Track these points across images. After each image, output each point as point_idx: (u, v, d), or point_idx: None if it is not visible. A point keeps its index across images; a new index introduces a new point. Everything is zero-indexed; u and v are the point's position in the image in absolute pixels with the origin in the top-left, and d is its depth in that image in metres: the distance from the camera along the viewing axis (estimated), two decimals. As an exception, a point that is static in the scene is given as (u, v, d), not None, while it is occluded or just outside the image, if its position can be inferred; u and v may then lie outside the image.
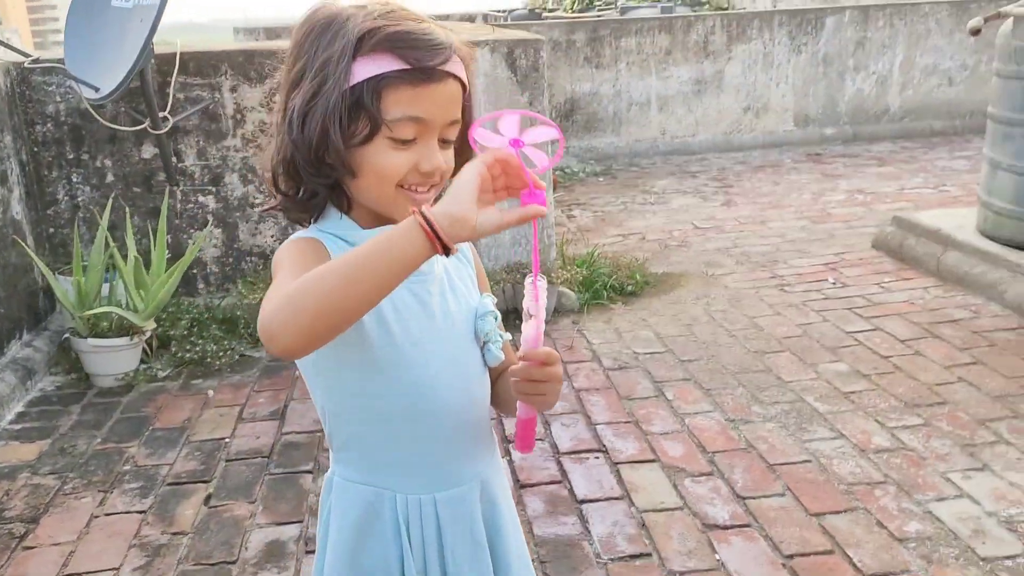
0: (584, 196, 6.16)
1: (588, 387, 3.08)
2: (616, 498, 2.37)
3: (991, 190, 3.83)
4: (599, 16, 9.28)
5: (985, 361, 3.10)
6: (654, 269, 4.37)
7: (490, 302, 1.13)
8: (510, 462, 2.58)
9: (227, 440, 2.77)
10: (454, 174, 1.02)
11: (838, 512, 2.24)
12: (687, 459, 2.55)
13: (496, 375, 1.16)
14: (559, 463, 2.56)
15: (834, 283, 4.06)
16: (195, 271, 3.66)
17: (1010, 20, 3.64)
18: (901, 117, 7.67)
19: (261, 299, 3.48)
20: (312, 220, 1.07)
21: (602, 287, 4.02)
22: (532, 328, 0.97)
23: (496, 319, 1.12)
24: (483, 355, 1.12)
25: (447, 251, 0.85)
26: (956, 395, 2.86)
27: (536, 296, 0.95)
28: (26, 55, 3.30)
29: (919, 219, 4.28)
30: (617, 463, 2.55)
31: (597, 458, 2.58)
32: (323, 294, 0.86)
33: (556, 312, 3.79)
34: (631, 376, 3.16)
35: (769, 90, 7.46)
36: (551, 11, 12.49)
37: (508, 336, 1.14)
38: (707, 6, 10.96)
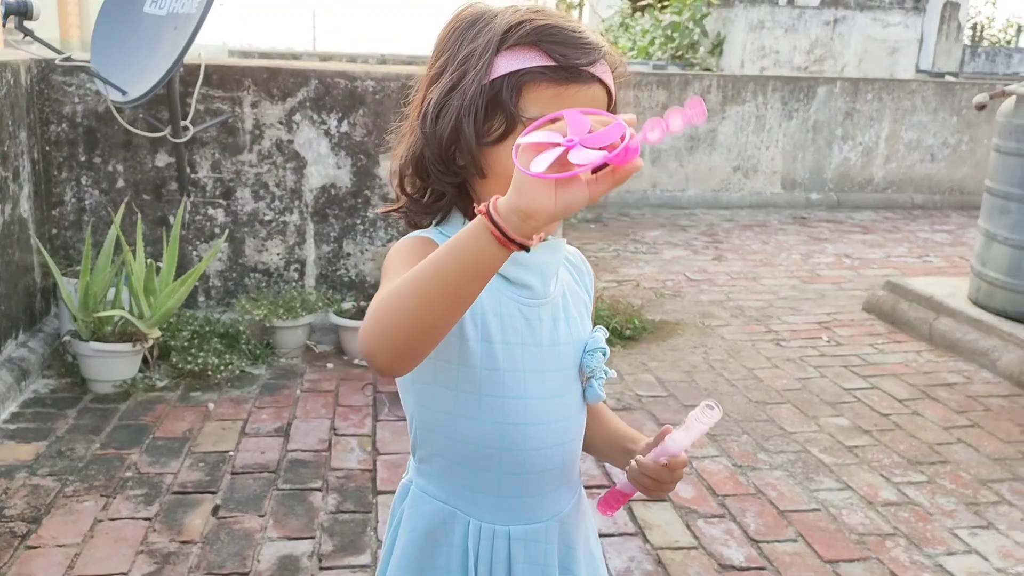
0: (577, 241, 6.20)
1: (593, 425, 3.08)
2: (631, 534, 2.36)
3: (985, 261, 3.94)
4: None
5: (982, 424, 3.17)
6: (650, 316, 4.41)
7: (601, 336, 1.08)
8: (520, 493, 2.56)
9: (231, 453, 2.72)
10: None
11: (852, 561, 2.26)
12: (698, 501, 2.56)
13: (592, 413, 1.13)
14: (570, 497, 2.55)
15: (828, 341, 4.13)
16: (197, 283, 3.62)
17: (1012, 99, 3.79)
18: (884, 188, 7.90)
19: (263, 316, 3.45)
20: (435, 224, 1.04)
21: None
22: (685, 440, 0.97)
23: (604, 355, 1.08)
24: (584, 391, 1.08)
25: (524, 247, 0.77)
26: (956, 455, 2.91)
27: (706, 422, 0.95)
28: (59, 52, 3.28)
29: (912, 285, 4.39)
30: (630, 500, 2.54)
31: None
32: (403, 312, 0.81)
33: (557, 350, 3.80)
34: (636, 417, 3.17)
35: (759, 152, 7.64)
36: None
37: (613, 374, 1.10)
38: (697, 67, 11.24)
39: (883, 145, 7.81)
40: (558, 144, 0.74)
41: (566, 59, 0.92)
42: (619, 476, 1.10)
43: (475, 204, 0.92)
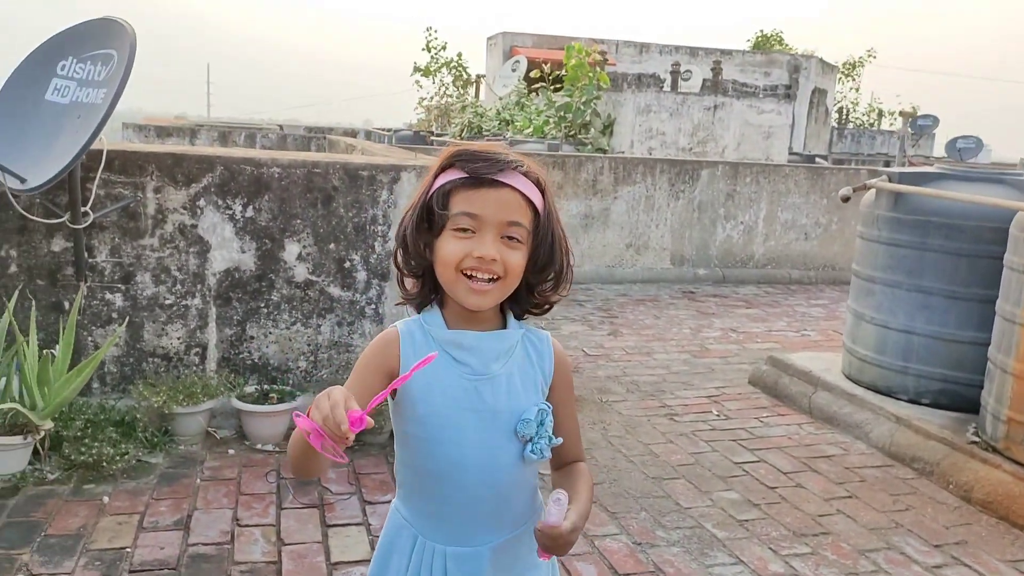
0: (477, 317, 6.33)
1: (498, 506, 3.15)
2: (537, 618, 2.42)
3: (855, 338, 4.27)
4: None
5: (858, 495, 3.40)
6: (550, 393, 4.54)
7: (534, 410, 1.33)
8: None
9: (128, 550, 2.65)
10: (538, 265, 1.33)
11: (745, 635, 2.38)
12: (601, 581, 2.65)
13: (555, 467, 1.45)
14: (478, 582, 2.60)
15: (718, 415, 4.35)
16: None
17: (872, 192, 4.18)
18: (764, 264, 8.40)
19: (162, 402, 3.39)
20: (420, 308, 1.38)
21: (504, 408, 4.14)
22: (556, 513, 1.24)
23: (541, 424, 1.33)
24: (524, 451, 1.33)
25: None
26: (837, 526, 3.12)
27: (558, 513, 1.24)
28: (-48, 139, 3.20)
29: (792, 360, 4.69)
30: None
31: (514, 578, 2.64)
32: (294, 462, 1.25)
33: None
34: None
35: (650, 229, 8.02)
36: (438, 136, 13.03)
37: (559, 441, 1.36)
38: (589, 147, 11.75)
39: (762, 224, 8.33)
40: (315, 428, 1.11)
41: (475, 172, 1.26)
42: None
43: (444, 297, 1.34)
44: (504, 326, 1.36)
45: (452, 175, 1.27)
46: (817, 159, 11.59)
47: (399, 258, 1.34)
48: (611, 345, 5.69)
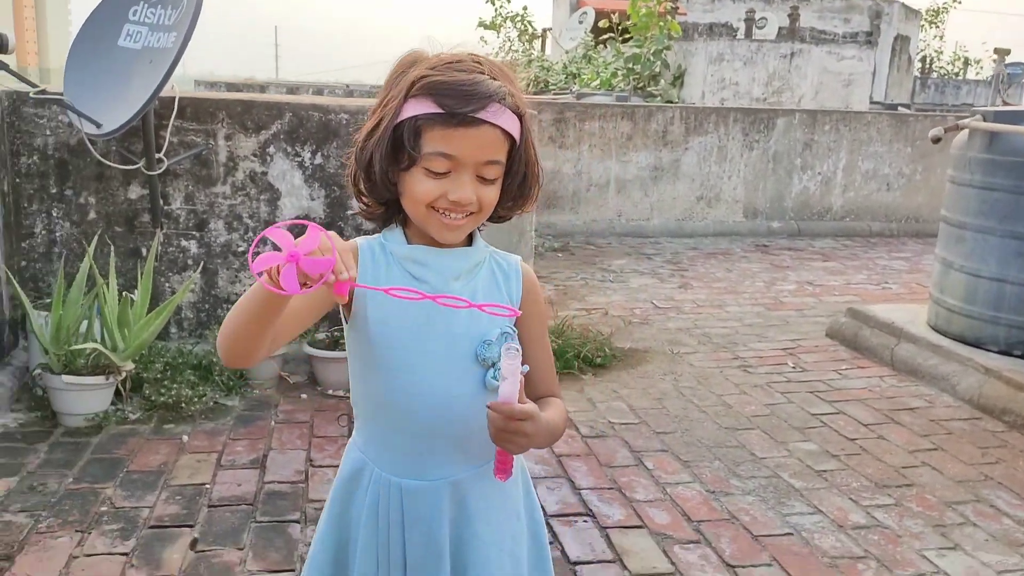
0: (545, 270, 6.28)
1: (569, 453, 3.12)
2: (608, 561, 2.39)
3: (943, 288, 4.08)
4: (555, 99, 9.62)
5: (945, 448, 3.26)
6: (619, 344, 4.47)
7: (496, 331, 1.22)
8: (499, 522, 2.58)
9: (208, 486, 2.71)
10: (514, 201, 1.24)
11: (825, 583, 2.31)
12: (674, 527, 2.60)
13: (531, 397, 1.26)
14: (549, 525, 2.58)
15: (794, 367, 4.22)
16: (169, 315, 3.60)
17: (965, 132, 3.95)
18: (843, 216, 8.10)
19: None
20: (383, 227, 1.27)
21: (573, 357, 4.09)
22: (507, 387, 1.10)
23: (514, 351, 1.18)
24: (486, 377, 1.22)
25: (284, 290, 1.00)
26: (922, 478, 3.00)
27: (511, 364, 1.09)
28: (33, 85, 3.27)
29: (873, 312, 4.51)
30: (606, 527, 2.58)
31: (586, 522, 2.61)
32: (230, 319, 1.10)
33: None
34: (609, 444, 3.21)
35: (722, 181, 7.80)
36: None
37: (525, 368, 1.21)
38: (658, 99, 11.46)
39: (841, 174, 8.02)
40: (280, 257, 0.98)
41: (451, 108, 1.11)
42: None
43: (406, 216, 1.22)
44: (469, 245, 1.26)
45: (424, 106, 1.12)
46: (900, 108, 11.09)
47: (362, 184, 1.21)
48: (681, 298, 5.58)
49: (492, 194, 1.18)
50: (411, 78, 1.14)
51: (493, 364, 1.22)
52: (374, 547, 1.27)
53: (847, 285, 6.11)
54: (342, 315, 1.28)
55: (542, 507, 2.65)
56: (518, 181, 1.21)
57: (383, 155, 1.16)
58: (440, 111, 1.11)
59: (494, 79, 1.15)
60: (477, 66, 1.16)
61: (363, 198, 1.24)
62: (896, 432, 3.41)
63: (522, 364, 1.21)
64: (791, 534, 2.58)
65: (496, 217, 1.26)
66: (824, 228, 8.03)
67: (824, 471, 3.03)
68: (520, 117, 1.17)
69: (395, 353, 1.21)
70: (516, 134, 1.16)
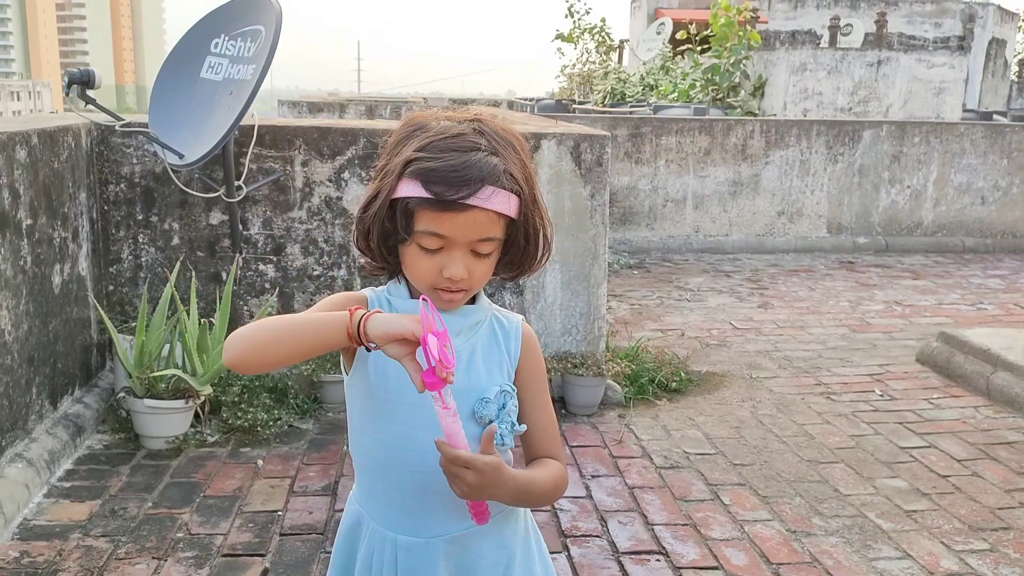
0: (620, 288, 6.20)
1: (642, 485, 3.04)
2: (682, 605, 2.31)
3: (1044, 313, 3.84)
4: (631, 112, 9.52)
5: (1046, 488, 3.06)
6: (695, 367, 4.37)
7: (496, 390, 1.22)
8: (568, 557, 2.53)
9: (280, 513, 2.74)
10: (522, 269, 1.25)
11: (914, 638, 2.18)
12: (751, 569, 2.50)
13: (528, 461, 1.29)
14: (620, 563, 2.51)
15: (881, 395, 4.04)
16: (248, 338, 3.67)
17: (1068, 150, 3.71)
18: (934, 231, 7.77)
19: (311, 370, 3.48)
20: (389, 278, 1.29)
21: (647, 382, 4.01)
22: (447, 425, 1.10)
23: (503, 408, 1.22)
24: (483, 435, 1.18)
25: (365, 345, 1.10)
26: (1020, 520, 2.82)
27: (445, 406, 1.09)
28: (119, 118, 3.39)
29: (967, 337, 4.29)
30: (679, 567, 2.50)
31: (659, 560, 2.54)
32: (270, 333, 1.12)
33: (602, 405, 3.77)
34: (684, 476, 3.12)
35: (804, 196, 7.58)
36: (580, 103, 12.81)
37: (521, 428, 1.25)
38: (738, 111, 11.23)
39: (932, 188, 7.69)
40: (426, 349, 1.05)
41: (439, 195, 1.11)
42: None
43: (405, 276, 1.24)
44: (472, 303, 1.26)
45: (415, 189, 1.12)
46: (995, 116, 10.59)
47: (364, 248, 1.23)
48: (761, 318, 5.42)
49: (484, 268, 1.19)
50: (406, 156, 1.14)
51: (490, 423, 1.21)
52: None
53: (939, 306, 5.84)
54: (343, 367, 1.28)
55: (613, 542, 2.60)
56: (519, 253, 1.21)
57: (379, 230, 1.17)
58: (430, 197, 1.11)
59: (493, 154, 1.14)
60: (476, 141, 1.15)
61: (365, 257, 1.26)
62: (992, 469, 3.22)
63: (519, 424, 1.26)
64: (877, 581, 2.45)
65: (501, 280, 1.29)
66: (914, 244, 7.71)
67: (913, 511, 2.88)
68: (520, 191, 1.17)
69: (392, 407, 1.21)
70: (512, 214, 1.16)
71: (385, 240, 1.19)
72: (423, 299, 1.07)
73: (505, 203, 1.14)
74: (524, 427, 1.25)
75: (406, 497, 1.23)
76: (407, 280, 1.24)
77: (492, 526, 1.23)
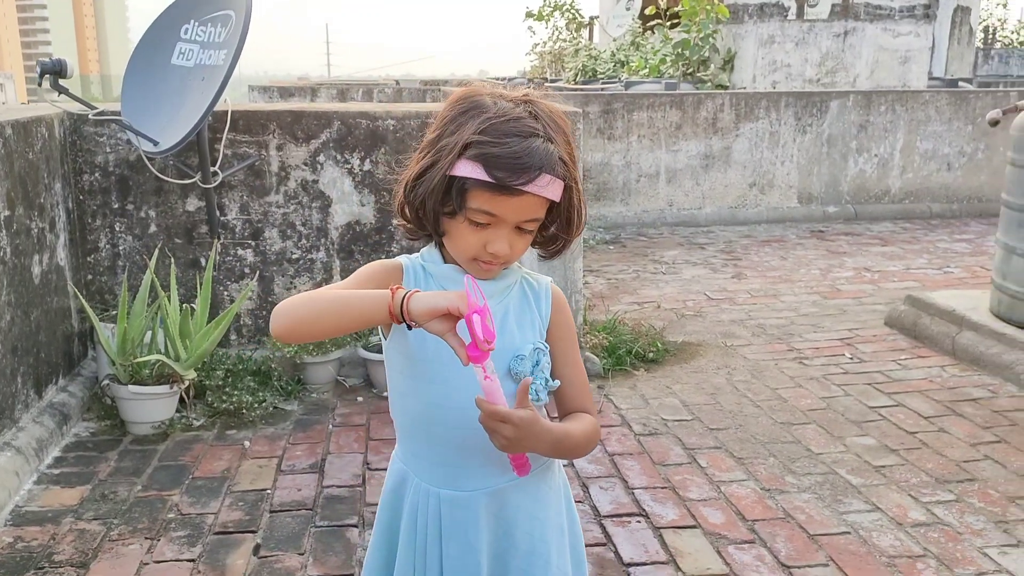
0: (596, 263, 6.27)
1: (621, 452, 3.13)
2: (662, 563, 2.40)
3: (1005, 274, 3.96)
4: (603, 88, 9.56)
5: (1008, 440, 3.18)
6: (672, 338, 4.45)
7: (530, 348, 1.28)
8: (552, 523, 2.61)
9: (269, 491, 2.79)
10: (555, 246, 1.32)
11: (883, 584, 2.29)
12: (728, 526, 2.59)
13: (562, 415, 1.36)
14: (602, 526, 2.60)
15: (851, 358, 4.16)
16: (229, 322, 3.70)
17: (1025, 114, 3.82)
18: (901, 199, 7.91)
19: (293, 352, 3.53)
20: (425, 246, 1.36)
21: (625, 353, 4.09)
22: (487, 384, 1.15)
23: (536, 364, 1.28)
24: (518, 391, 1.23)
25: (407, 324, 1.15)
26: (984, 472, 2.93)
27: (487, 377, 1.14)
28: (91, 107, 3.39)
29: (933, 299, 4.41)
30: (659, 528, 2.59)
31: (639, 522, 2.62)
32: (314, 307, 1.18)
33: (582, 376, 3.85)
34: (662, 442, 3.21)
35: (774, 167, 7.68)
36: (551, 81, 12.82)
37: (555, 383, 1.32)
38: (708, 84, 11.30)
39: (899, 156, 7.83)
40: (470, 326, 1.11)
41: (501, 181, 1.17)
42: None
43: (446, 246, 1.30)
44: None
45: (476, 171, 1.17)
46: (960, 83, 10.73)
47: (409, 215, 1.28)
48: (735, 288, 5.52)
49: (523, 244, 1.26)
50: (466, 138, 1.18)
51: (526, 377, 1.26)
52: (411, 556, 1.33)
53: (907, 270, 5.97)
54: (380, 331, 1.34)
55: (595, 507, 2.68)
56: (557, 226, 1.28)
57: (436, 201, 1.22)
58: (490, 180, 1.17)
59: (549, 140, 1.19)
60: (534, 126, 1.19)
61: (406, 224, 1.31)
62: (958, 424, 3.34)
63: (553, 379, 1.32)
64: (848, 533, 2.55)
65: (539, 257, 1.36)
66: (882, 211, 7.85)
67: (882, 467, 2.99)
68: (566, 178, 1.22)
69: (431, 366, 1.27)
70: (558, 199, 1.22)
71: (434, 215, 1.25)
72: (468, 278, 1.14)
73: (557, 190, 1.21)
74: (558, 383, 1.32)
75: (448, 453, 1.29)
76: (441, 245, 1.30)
77: (530, 480, 1.30)
